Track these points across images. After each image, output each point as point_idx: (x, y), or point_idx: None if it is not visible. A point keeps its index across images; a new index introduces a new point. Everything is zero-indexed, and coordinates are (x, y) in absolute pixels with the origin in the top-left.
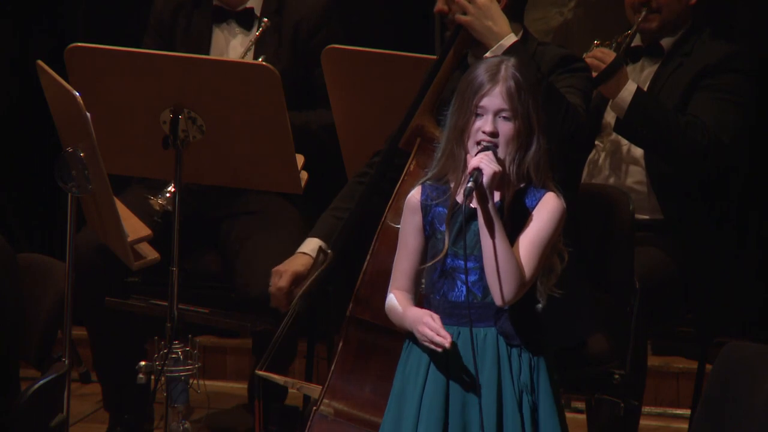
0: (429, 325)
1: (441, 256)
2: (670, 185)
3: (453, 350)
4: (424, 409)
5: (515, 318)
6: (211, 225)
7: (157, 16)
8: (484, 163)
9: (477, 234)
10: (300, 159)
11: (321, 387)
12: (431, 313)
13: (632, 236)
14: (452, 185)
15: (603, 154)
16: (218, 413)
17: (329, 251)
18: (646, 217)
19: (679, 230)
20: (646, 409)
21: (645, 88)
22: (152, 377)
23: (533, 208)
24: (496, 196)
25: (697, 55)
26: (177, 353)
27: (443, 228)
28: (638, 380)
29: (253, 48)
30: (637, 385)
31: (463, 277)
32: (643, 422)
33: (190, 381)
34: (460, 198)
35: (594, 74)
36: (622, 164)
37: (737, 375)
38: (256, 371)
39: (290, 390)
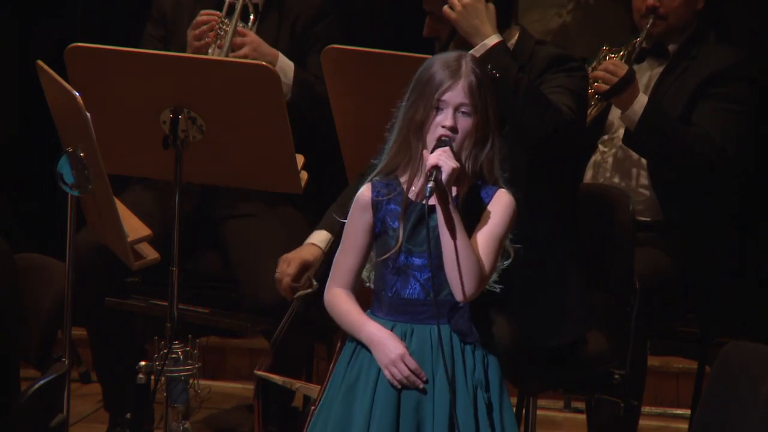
0: (404, 371)
1: (392, 252)
2: (673, 188)
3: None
4: (377, 404)
5: (469, 315)
6: (212, 225)
7: (160, 7)
8: (442, 160)
9: (432, 231)
10: (300, 159)
11: (320, 387)
12: (404, 351)
13: (632, 236)
14: (403, 180)
15: (610, 158)
16: (218, 413)
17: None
18: (649, 219)
19: (680, 231)
20: (646, 409)
21: (649, 89)
22: (152, 377)
23: (488, 204)
24: (453, 192)
25: (703, 61)
26: (177, 353)
27: (396, 225)
28: (638, 380)
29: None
30: (637, 385)
31: (417, 274)
32: (643, 422)
33: (190, 381)
34: (412, 194)
35: (606, 87)
36: (627, 167)
37: (737, 375)
38: (255, 371)
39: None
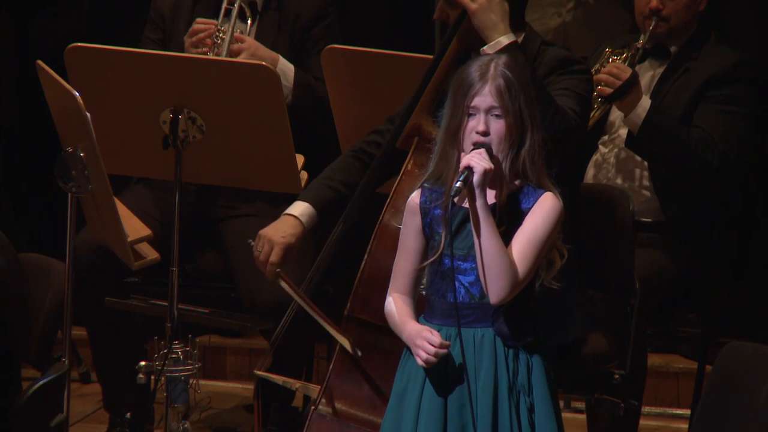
0: (429, 349)
1: (435, 257)
2: (674, 188)
3: (451, 352)
4: (423, 411)
5: (512, 319)
6: (212, 225)
7: (158, 10)
8: (475, 160)
9: (466, 235)
10: (300, 159)
11: (320, 387)
12: (421, 329)
13: (632, 236)
14: (448, 186)
15: (611, 158)
16: (218, 413)
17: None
18: (650, 219)
19: (680, 231)
20: (646, 409)
21: (650, 90)
22: (152, 377)
23: (530, 208)
24: (492, 195)
25: (704, 62)
26: (177, 353)
27: (441, 229)
28: (638, 380)
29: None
30: (637, 385)
31: (461, 278)
32: (643, 422)
33: (190, 381)
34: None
35: (610, 90)
36: (629, 168)
37: (737, 375)
38: (255, 371)
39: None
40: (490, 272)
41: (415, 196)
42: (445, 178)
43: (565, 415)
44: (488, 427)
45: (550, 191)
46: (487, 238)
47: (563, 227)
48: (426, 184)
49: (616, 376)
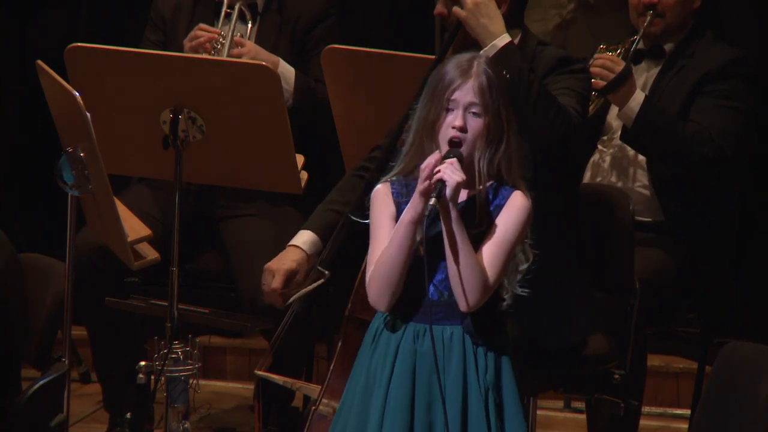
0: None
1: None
2: (673, 187)
3: (419, 349)
4: (389, 407)
5: (480, 318)
6: (212, 225)
7: (158, 12)
8: (447, 174)
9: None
10: (300, 159)
11: (320, 387)
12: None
13: (632, 236)
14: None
15: (608, 158)
16: (218, 413)
17: (326, 272)
18: (650, 219)
19: (679, 230)
20: (646, 409)
21: (647, 90)
22: (152, 377)
23: (502, 205)
24: (464, 193)
25: (700, 59)
26: (177, 353)
27: None
28: (638, 380)
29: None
30: (637, 385)
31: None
32: (643, 422)
33: (190, 381)
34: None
35: (603, 83)
36: (626, 167)
37: (737, 375)
38: (255, 371)
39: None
40: (466, 284)
41: (383, 188)
42: (416, 173)
43: (565, 415)
44: (458, 425)
45: (520, 190)
46: (462, 251)
47: (566, 226)
48: (394, 178)
49: (616, 376)
